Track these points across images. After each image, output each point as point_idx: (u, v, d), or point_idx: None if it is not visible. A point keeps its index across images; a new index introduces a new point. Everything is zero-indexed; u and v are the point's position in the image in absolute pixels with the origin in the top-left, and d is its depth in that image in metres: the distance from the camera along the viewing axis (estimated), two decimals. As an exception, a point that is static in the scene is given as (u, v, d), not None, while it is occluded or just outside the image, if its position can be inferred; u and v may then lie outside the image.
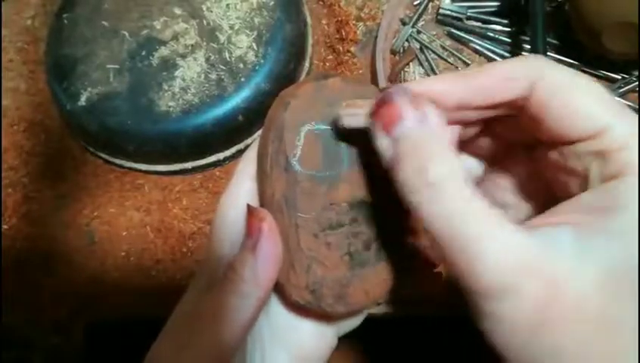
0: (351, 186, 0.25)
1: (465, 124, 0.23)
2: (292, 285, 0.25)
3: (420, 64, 0.47)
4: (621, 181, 0.18)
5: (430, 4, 0.49)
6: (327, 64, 0.49)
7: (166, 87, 0.43)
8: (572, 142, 0.20)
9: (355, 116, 0.22)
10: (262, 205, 0.26)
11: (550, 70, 0.20)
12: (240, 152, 0.46)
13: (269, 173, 0.25)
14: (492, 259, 0.17)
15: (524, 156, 0.24)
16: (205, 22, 0.45)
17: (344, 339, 0.29)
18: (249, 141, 0.46)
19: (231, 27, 0.44)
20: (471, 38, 0.47)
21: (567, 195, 0.21)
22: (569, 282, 0.17)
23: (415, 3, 0.49)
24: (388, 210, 0.25)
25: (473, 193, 0.18)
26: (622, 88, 0.43)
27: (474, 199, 0.18)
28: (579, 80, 0.20)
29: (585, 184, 0.20)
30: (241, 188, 0.26)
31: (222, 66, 0.43)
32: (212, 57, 0.44)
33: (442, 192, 0.18)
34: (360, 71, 0.48)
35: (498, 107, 0.21)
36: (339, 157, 0.25)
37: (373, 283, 0.25)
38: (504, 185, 0.25)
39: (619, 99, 0.19)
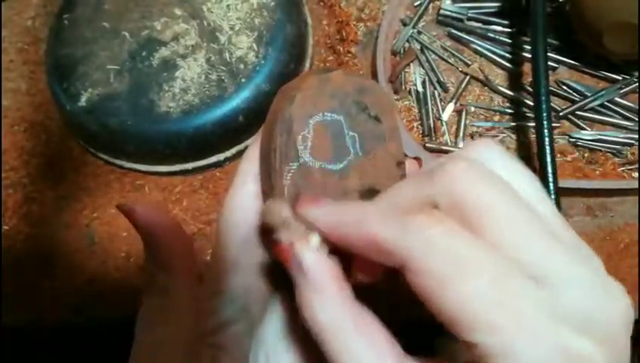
0: (360, 174, 0.25)
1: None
2: None
3: (421, 65, 0.47)
4: None
5: (431, 4, 0.49)
6: (328, 65, 0.49)
7: (166, 87, 0.43)
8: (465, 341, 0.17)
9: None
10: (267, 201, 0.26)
11: (421, 253, 0.16)
12: (241, 153, 0.46)
13: (277, 168, 0.25)
14: None
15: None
16: (205, 22, 0.45)
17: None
18: (249, 141, 0.46)
19: (232, 28, 0.44)
20: (472, 39, 0.47)
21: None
22: None
23: (416, 4, 0.49)
24: None
25: (359, 337, 0.18)
26: (623, 89, 0.43)
27: (360, 343, 0.18)
28: (459, 265, 0.16)
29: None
30: (244, 189, 0.26)
31: (222, 67, 0.43)
32: (213, 58, 0.44)
33: (327, 340, 0.18)
34: (361, 72, 0.48)
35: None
36: (347, 146, 0.25)
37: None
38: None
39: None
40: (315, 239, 0.21)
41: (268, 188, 0.26)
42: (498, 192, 0.17)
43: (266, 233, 0.24)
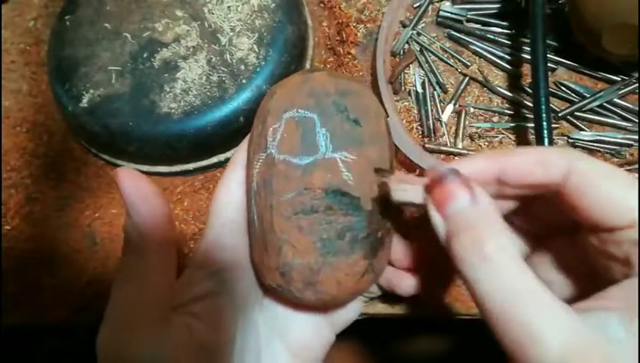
0: (326, 173, 0.25)
1: (504, 198, 0.24)
2: (265, 267, 0.25)
3: (420, 66, 0.47)
4: None
5: (430, 6, 0.49)
6: (328, 66, 0.49)
7: (167, 88, 0.43)
8: (609, 229, 0.21)
9: (404, 192, 0.23)
10: (246, 188, 0.27)
11: (582, 161, 0.21)
12: (241, 153, 0.46)
13: (252, 157, 0.26)
14: (548, 347, 0.17)
15: (566, 237, 0.25)
16: (206, 24, 0.45)
17: (345, 340, 0.30)
18: (250, 142, 0.46)
19: (233, 29, 0.45)
20: (471, 40, 0.47)
21: (610, 277, 0.21)
22: None
23: (415, 5, 0.49)
24: (376, 209, 0.25)
25: (528, 272, 0.19)
26: (622, 90, 0.44)
27: (528, 277, 0.18)
28: (611, 171, 0.21)
29: (627, 269, 0.20)
30: (233, 175, 0.28)
31: (223, 68, 0.44)
32: (214, 59, 0.44)
33: (498, 268, 0.19)
34: (360, 73, 0.49)
35: (532, 188, 0.22)
36: (317, 144, 0.25)
37: (345, 274, 0.25)
38: (547, 263, 0.26)
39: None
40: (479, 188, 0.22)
41: (247, 176, 0.27)
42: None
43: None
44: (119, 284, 0.24)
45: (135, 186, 0.24)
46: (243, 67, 0.44)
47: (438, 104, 0.46)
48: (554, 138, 0.42)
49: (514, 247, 0.19)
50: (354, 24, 0.50)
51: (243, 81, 0.43)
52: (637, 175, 0.42)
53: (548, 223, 0.25)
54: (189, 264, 0.27)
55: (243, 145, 0.29)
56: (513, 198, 0.24)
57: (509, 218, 0.25)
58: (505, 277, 0.18)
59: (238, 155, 0.28)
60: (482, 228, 0.19)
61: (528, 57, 0.45)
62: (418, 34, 0.48)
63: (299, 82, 0.27)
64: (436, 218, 0.21)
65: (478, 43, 0.47)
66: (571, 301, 0.21)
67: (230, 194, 0.28)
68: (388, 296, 0.32)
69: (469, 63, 0.47)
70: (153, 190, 0.24)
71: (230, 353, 0.25)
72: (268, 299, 0.28)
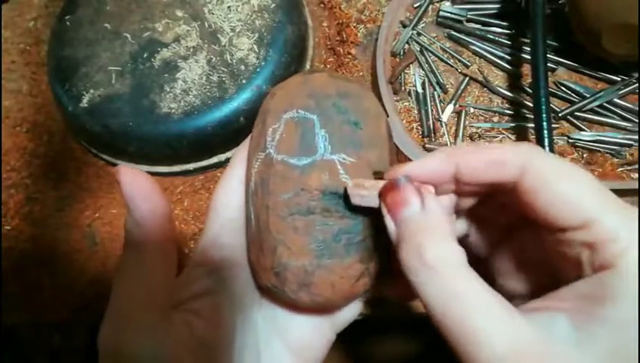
0: (324, 175, 0.25)
1: (465, 194, 0.24)
2: (261, 267, 0.25)
3: (421, 66, 0.47)
4: (612, 272, 0.19)
5: (430, 6, 0.49)
6: (328, 66, 0.50)
7: (167, 89, 0.43)
8: (561, 230, 0.21)
9: (361, 197, 0.24)
10: (245, 187, 0.27)
11: (539, 158, 0.21)
12: (242, 153, 0.46)
13: (251, 156, 0.26)
14: (490, 348, 0.18)
15: (531, 230, 0.25)
16: (206, 24, 0.45)
17: (345, 340, 0.30)
18: (250, 142, 0.46)
19: (233, 29, 0.45)
20: (471, 41, 0.47)
21: (564, 276, 0.21)
22: None
23: (415, 5, 0.49)
24: (372, 215, 0.25)
25: (470, 277, 0.19)
26: (622, 90, 0.44)
27: (471, 282, 0.19)
28: (568, 169, 0.21)
29: (579, 269, 0.20)
30: (233, 174, 0.28)
31: (223, 68, 0.44)
32: (214, 59, 0.44)
33: (438, 274, 0.19)
34: (361, 73, 0.49)
35: (488, 187, 0.22)
36: (316, 145, 0.25)
37: (340, 276, 0.25)
38: (511, 257, 0.26)
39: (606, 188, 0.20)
40: (431, 188, 0.23)
41: (246, 175, 0.27)
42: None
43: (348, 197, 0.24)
44: (119, 281, 0.24)
45: (136, 182, 0.24)
46: (243, 67, 0.44)
47: (438, 104, 0.46)
48: (554, 138, 0.42)
49: (455, 254, 0.20)
50: (354, 24, 0.50)
51: (243, 81, 0.43)
52: (637, 175, 0.42)
53: (513, 213, 0.25)
54: (189, 262, 0.27)
55: (245, 145, 0.29)
56: (474, 194, 0.24)
57: (475, 209, 0.25)
58: (445, 281, 0.19)
59: (239, 154, 0.29)
60: (425, 235, 0.20)
61: (528, 57, 0.45)
62: (418, 34, 0.48)
63: (300, 83, 0.27)
64: (389, 223, 0.22)
65: (478, 43, 0.47)
66: (531, 297, 0.21)
67: (230, 193, 0.28)
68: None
69: (469, 64, 0.47)
70: (154, 186, 0.24)
71: (229, 351, 0.25)
72: (267, 300, 0.28)
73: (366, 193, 0.23)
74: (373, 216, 0.25)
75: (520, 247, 0.25)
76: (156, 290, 0.24)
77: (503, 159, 0.21)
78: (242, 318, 0.27)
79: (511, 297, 0.25)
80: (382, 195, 0.22)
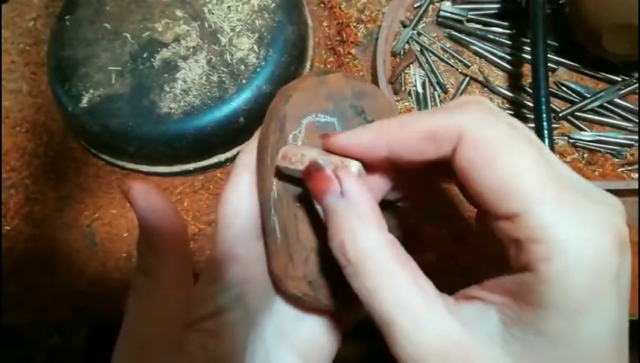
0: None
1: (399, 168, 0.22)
2: (290, 277, 0.25)
3: (421, 66, 0.47)
4: (536, 277, 0.16)
5: (431, 6, 0.49)
6: (329, 66, 0.49)
7: (167, 89, 0.43)
8: (491, 216, 0.18)
9: (291, 171, 0.23)
10: (261, 196, 0.26)
11: (475, 128, 0.18)
12: (242, 153, 0.46)
13: (269, 164, 0.25)
14: (412, 344, 0.17)
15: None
16: (206, 24, 0.45)
17: (351, 341, 0.29)
18: (250, 142, 0.46)
19: (233, 29, 0.45)
20: (471, 41, 0.47)
21: (504, 264, 0.19)
22: None
23: (416, 5, 0.49)
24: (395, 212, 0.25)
25: (390, 271, 0.18)
26: (623, 90, 0.44)
27: (392, 278, 0.18)
28: (507, 144, 0.17)
29: (515, 262, 0.18)
30: (241, 180, 0.27)
31: (223, 68, 0.43)
32: (214, 59, 0.44)
33: (360, 269, 0.18)
34: (361, 73, 0.48)
35: (427, 165, 0.20)
36: None
37: None
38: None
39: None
40: (354, 165, 0.21)
41: (260, 182, 0.26)
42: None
43: (282, 176, 0.24)
44: (133, 305, 0.23)
45: (149, 201, 0.23)
46: (243, 67, 0.43)
47: (438, 104, 0.46)
48: (555, 138, 0.42)
49: (380, 245, 0.18)
50: (354, 24, 0.50)
51: (243, 81, 0.43)
52: (637, 175, 0.42)
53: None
54: (200, 276, 0.27)
55: (248, 148, 0.28)
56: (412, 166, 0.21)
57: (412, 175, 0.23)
58: (365, 277, 0.18)
59: (244, 159, 0.27)
60: (346, 229, 0.19)
61: (528, 57, 0.45)
62: (419, 34, 0.48)
63: (315, 86, 0.26)
64: (317, 207, 0.21)
65: (478, 43, 0.47)
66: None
67: (239, 202, 0.27)
68: None
69: (469, 64, 0.47)
70: (169, 206, 0.23)
71: None
72: (277, 305, 0.28)
73: (291, 167, 0.23)
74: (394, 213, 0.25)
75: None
76: (171, 315, 0.23)
77: (438, 131, 0.19)
78: (252, 329, 0.27)
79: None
80: (305, 177, 0.21)
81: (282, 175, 0.24)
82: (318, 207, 0.21)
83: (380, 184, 0.22)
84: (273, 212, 0.25)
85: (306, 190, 0.23)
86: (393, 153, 0.20)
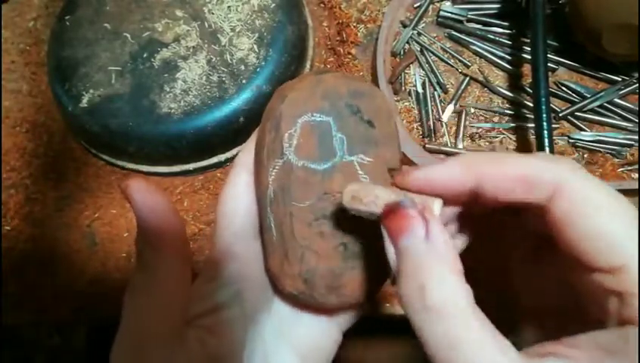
0: (345, 177, 0.25)
1: (474, 207, 0.22)
2: (286, 275, 0.25)
3: (421, 66, 0.47)
4: None
5: (431, 6, 0.49)
6: (329, 66, 0.49)
7: (167, 89, 0.43)
8: (591, 269, 0.18)
9: (358, 210, 0.22)
10: (258, 194, 0.26)
11: (576, 180, 0.18)
12: (241, 153, 0.46)
13: (266, 163, 0.26)
14: None
15: (550, 254, 0.22)
16: (206, 24, 0.45)
17: (351, 339, 0.29)
18: (250, 142, 0.46)
19: (233, 29, 0.45)
20: (471, 41, 0.47)
21: (584, 318, 0.19)
22: None
23: (416, 5, 0.49)
24: None
25: (472, 324, 0.17)
26: (623, 90, 0.44)
27: (476, 327, 0.17)
28: (607, 199, 0.18)
29: (602, 314, 0.18)
30: (239, 179, 0.27)
31: (223, 68, 0.43)
32: (214, 59, 0.44)
33: (441, 318, 0.17)
34: (361, 73, 0.49)
35: (512, 205, 0.20)
36: (334, 148, 0.25)
37: (367, 276, 0.25)
38: (523, 274, 0.24)
39: None
40: (437, 205, 0.20)
41: (257, 182, 0.26)
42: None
43: (344, 216, 0.23)
44: (131, 302, 0.23)
45: (148, 201, 0.23)
46: (243, 67, 0.43)
47: (438, 104, 0.46)
48: (555, 138, 0.42)
49: (459, 295, 0.18)
50: (354, 24, 0.50)
51: (243, 81, 0.43)
52: (637, 175, 0.42)
53: (537, 233, 0.22)
54: (199, 274, 0.27)
55: (247, 148, 0.28)
56: (492, 206, 0.21)
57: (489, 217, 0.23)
58: (445, 328, 0.17)
59: (243, 159, 0.28)
60: (428, 273, 0.18)
61: (528, 57, 0.45)
62: (419, 34, 0.48)
63: (311, 85, 0.26)
64: (388, 247, 0.19)
65: (478, 43, 0.47)
66: (545, 333, 0.19)
67: (237, 201, 0.27)
68: None
69: (469, 64, 0.47)
70: (168, 205, 0.23)
71: (239, 362, 0.25)
72: (275, 304, 0.28)
73: (364, 209, 0.22)
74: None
75: (542, 270, 0.23)
76: (170, 312, 0.23)
77: (534, 177, 0.19)
78: (251, 327, 0.27)
79: (529, 312, 0.23)
80: (383, 216, 0.20)
81: (344, 215, 0.23)
82: (388, 248, 0.19)
83: (451, 228, 0.22)
84: (269, 210, 0.25)
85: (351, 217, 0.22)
86: (483, 190, 0.20)
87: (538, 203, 0.19)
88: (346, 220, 0.24)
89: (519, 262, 0.24)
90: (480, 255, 0.25)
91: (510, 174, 0.19)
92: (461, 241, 0.24)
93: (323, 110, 0.25)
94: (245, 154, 0.28)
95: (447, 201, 0.21)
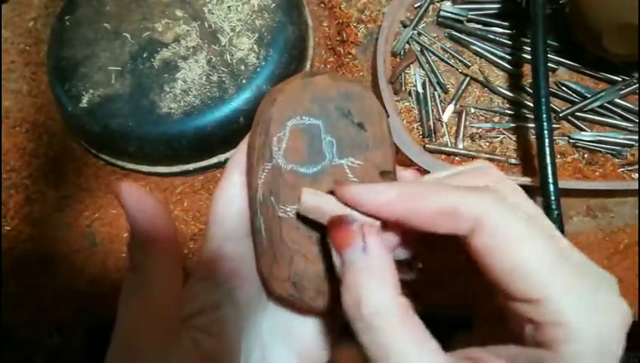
0: (335, 180, 0.25)
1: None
2: (275, 278, 0.25)
3: (421, 66, 0.47)
4: (555, 356, 0.18)
5: (431, 6, 0.49)
6: (329, 66, 0.49)
7: (167, 89, 0.43)
8: (509, 297, 0.19)
9: (312, 214, 0.23)
10: (249, 196, 0.26)
11: (494, 214, 0.19)
12: (241, 153, 0.46)
13: (256, 166, 0.26)
14: None
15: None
16: (206, 24, 0.45)
17: (349, 338, 0.29)
18: (250, 142, 0.46)
19: (233, 29, 0.45)
20: (472, 41, 0.47)
21: (510, 330, 0.20)
22: None
23: (416, 5, 0.49)
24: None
25: (403, 332, 0.18)
26: (623, 90, 0.43)
27: (404, 338, 0.18)
28: (528, 232, 0.19)
29: (522, 335, 0.19)
30: (231, 181, 0.27)
31: (223, 68, 0.43)
32: (214, 59, 0.44)
33: (373, 328, 0.19)
34: (361, 73, 0.48)
35: (436, 236, 0.21)
36: (323, 151, 0.25)
37: None
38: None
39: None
40: (377, 224, 0.21)
41: (248, 184, 0.27)
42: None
43: (307, 221, 0.24)
44: (125, 305, 0.23)
45: (140, 204, 0.23)
46: (243, 67, 0.43)
47: (439, 104, 0.46)
48: (555, 138, 0.42)
49: (393, 305, 0.19)
50: (354, 24, 0.50)
51: (243, 81, 0.43)
52: (638, 175, 0.42)
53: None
54: (192, 274, 0.27)
55: (240, 150, 0.28)
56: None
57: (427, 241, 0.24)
58: (378, 336, 0.18)
59: (236, 160, 0.28)
60: (364, 285, 0.19)
61: (529, 57, 0.45)
62: (419, 34, 0.48)
63: (301, 88, 0.26)
64: (335, 257, 0.21)
65: (479, 43, 0.47)
66: (496, 333, 0.20)
67: (229, 202, 0.27)
68: None
69: (470, 64, 0.47)
70: (159, 208, 0.24)
71: (236, 362, 0.25)
72: (272, 304, 0.28)
73: (314, 218, 0.23)
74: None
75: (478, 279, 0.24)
76: (161, 311, 0.23)
77: (454, 211, 0.19)
78: (247, 327, 0.27)
79: (482, 312, 0.24)
80: (328, 228, 0.21)
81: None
82: (335, 257, 0.21)
83: (391, 242, 0.23)
84: (259, 213, 0.26)
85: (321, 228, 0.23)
86: (409, 222, 0.21)
87: (461, 234, 0.20)
88: None
89: (463, 267, 0.25)
90: (436, 263, 0.26)
91: (431, 208, 0.20)
92: (404, 252, 0.24)
93: (312, 112, 0.25)
94: (238, 155, 0.28)
95: (383, 224, 0.22)
